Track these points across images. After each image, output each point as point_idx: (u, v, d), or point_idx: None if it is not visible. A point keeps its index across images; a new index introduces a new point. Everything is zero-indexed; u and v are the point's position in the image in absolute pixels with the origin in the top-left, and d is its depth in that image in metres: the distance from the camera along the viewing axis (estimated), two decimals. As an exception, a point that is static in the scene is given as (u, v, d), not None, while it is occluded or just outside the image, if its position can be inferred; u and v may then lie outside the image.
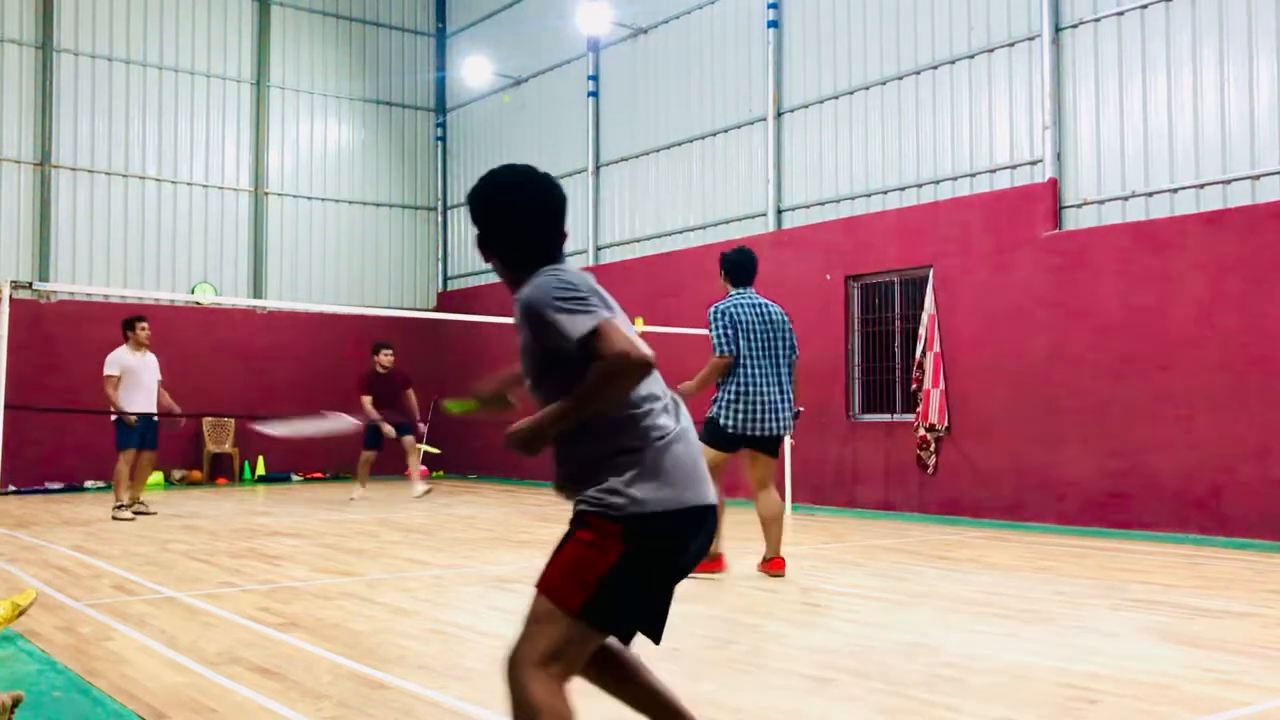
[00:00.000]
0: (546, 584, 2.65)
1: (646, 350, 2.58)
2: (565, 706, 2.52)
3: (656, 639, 2.76)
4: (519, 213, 2.79)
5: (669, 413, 2.71)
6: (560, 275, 2.68)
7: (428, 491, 13.35)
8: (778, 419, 6.75)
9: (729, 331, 6.67)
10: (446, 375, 18.51)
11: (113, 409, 10.96)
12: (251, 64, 17.63)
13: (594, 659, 2.73)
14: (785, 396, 6.81)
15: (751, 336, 6.70)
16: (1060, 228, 10.43)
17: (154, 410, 11.24)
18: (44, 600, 5.79)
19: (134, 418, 10.88)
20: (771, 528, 6.83)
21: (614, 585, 2.59)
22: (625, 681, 2.88)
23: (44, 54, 15.81)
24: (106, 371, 10.98)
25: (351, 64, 18.71)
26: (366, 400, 13.12)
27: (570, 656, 2.58)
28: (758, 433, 6.70)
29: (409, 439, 13.31)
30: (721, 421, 6.70)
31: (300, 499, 13.47)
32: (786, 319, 6.92)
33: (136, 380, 10.96)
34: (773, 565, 6.84)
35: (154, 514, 11.31)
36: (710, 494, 2.73)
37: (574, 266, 2.80)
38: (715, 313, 6.76)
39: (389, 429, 13.05)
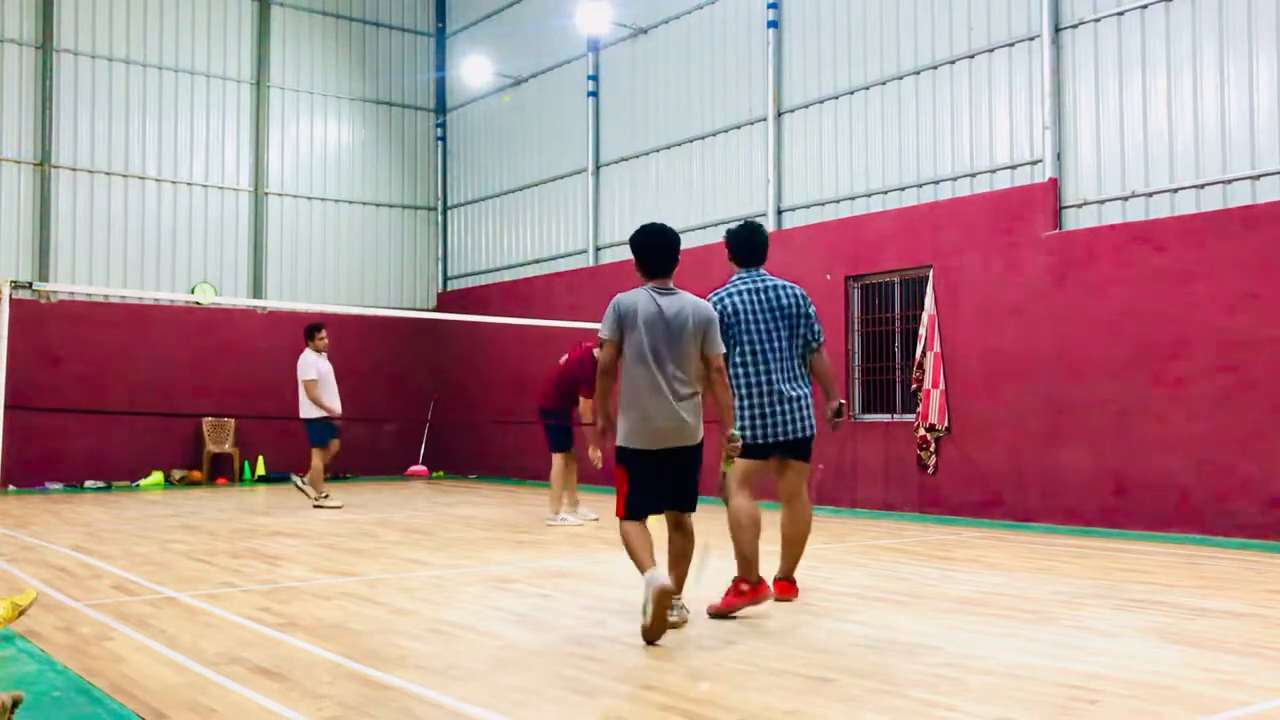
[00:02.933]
0: None
1: (603, 359, 5.14)
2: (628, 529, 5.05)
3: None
4: (634, 246, 5.25)
5: (646, 392, 5.05)
6: (621, 297, 5.13)
7: (587, 520, 10.31)
8: (799, 418, 5.81)
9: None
10: (446, 375, 18.52)
11: (328, 409, 11.76)
12: (251, 64, 17.63)
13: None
14: (802, 392, 5.85)
15: (752, 326, 5.77)
16: (1060, 228, 10.43)
17: (340, 407, 11.90)
18: (44, 600, 5.79)
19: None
20: (792, 548, 5.94)
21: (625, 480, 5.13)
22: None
23: (44, 54, 15.80)
24: (306, 376, 11.76)
25: (351, 64, 18.71)
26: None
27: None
28: (782, 437, 5.78)
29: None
30: (745, 434, 5.72)
31: (301, 499, 13.46)
32: (801, 303, 5.90)
33: (328, 381, 11.85)
34: (779, 588, 5.90)
35: (339, 506, 11.96)
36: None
37: (649, 295, 5.13)
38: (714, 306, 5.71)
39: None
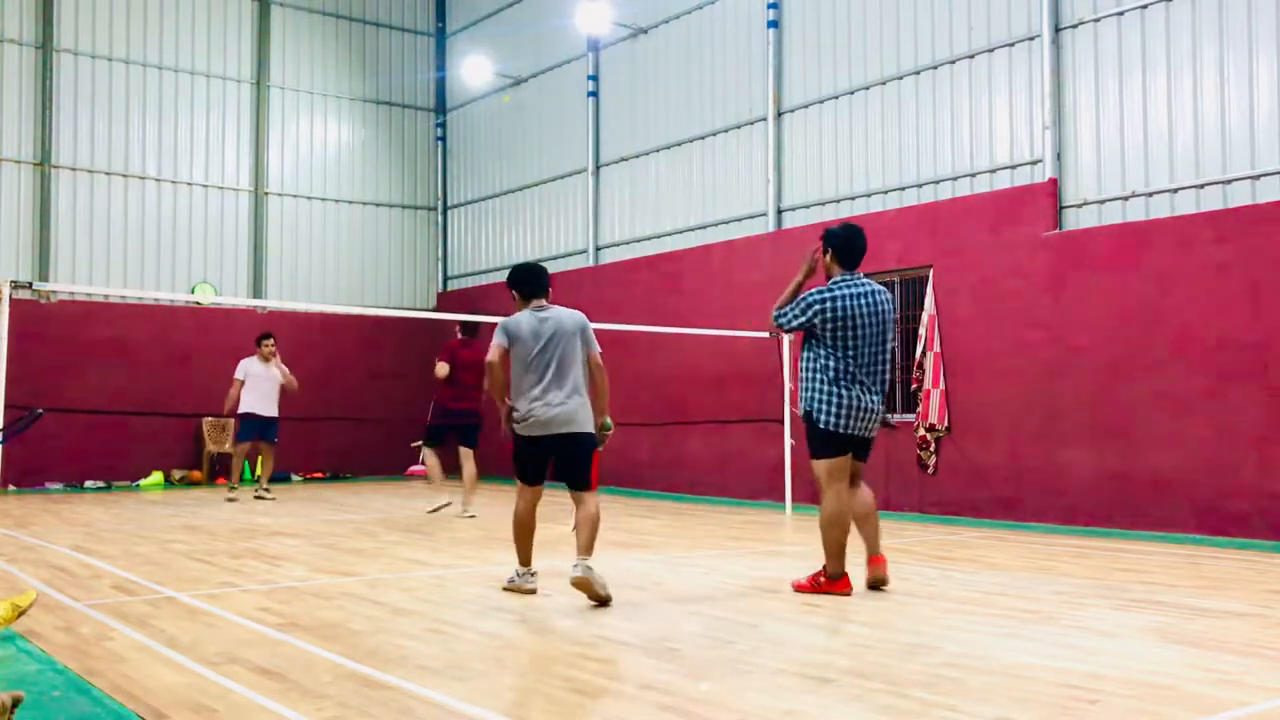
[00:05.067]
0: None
1: (490, 357, 6.08)
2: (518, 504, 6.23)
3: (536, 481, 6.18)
4: (511, 281, 6.31)
5: (533, 387, 6.00)
6: (507, 319, 6.17)
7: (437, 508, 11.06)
8: (875, 419, 6.21)
9: (802, 312, 6.12)
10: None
11: (228, 409, 13.12)
12: (251, 64, 17.63)
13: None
14: (882, 394, 6.25)
15: (854, 328, 6.06)
16: (1060, 228, 10.43)
17: (268, 411, 12.88)
18: (44, 600, 5.79)
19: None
20: (865, 525, 6.33)
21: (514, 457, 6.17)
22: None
23: (44, 54, 15.80)
24: (235, 375, 13.03)
25: (351, 64, 18.71)
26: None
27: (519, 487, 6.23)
28: (857, 433, 6.13)
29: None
30: (822, 421, 6.08)
31: (300, 499, 13.47)
32: (891, 309, 6.28)
33: (255, 385, 12.94)
34: (874, 561, 6.35)
35: (273, 499, 12.97)
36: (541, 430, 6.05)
37: (530, 314, 6.14)
38: (808, 295, 6.16)
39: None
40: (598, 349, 6.21)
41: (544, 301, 6.24)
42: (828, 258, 6.29)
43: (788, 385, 11.44)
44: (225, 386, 16.42)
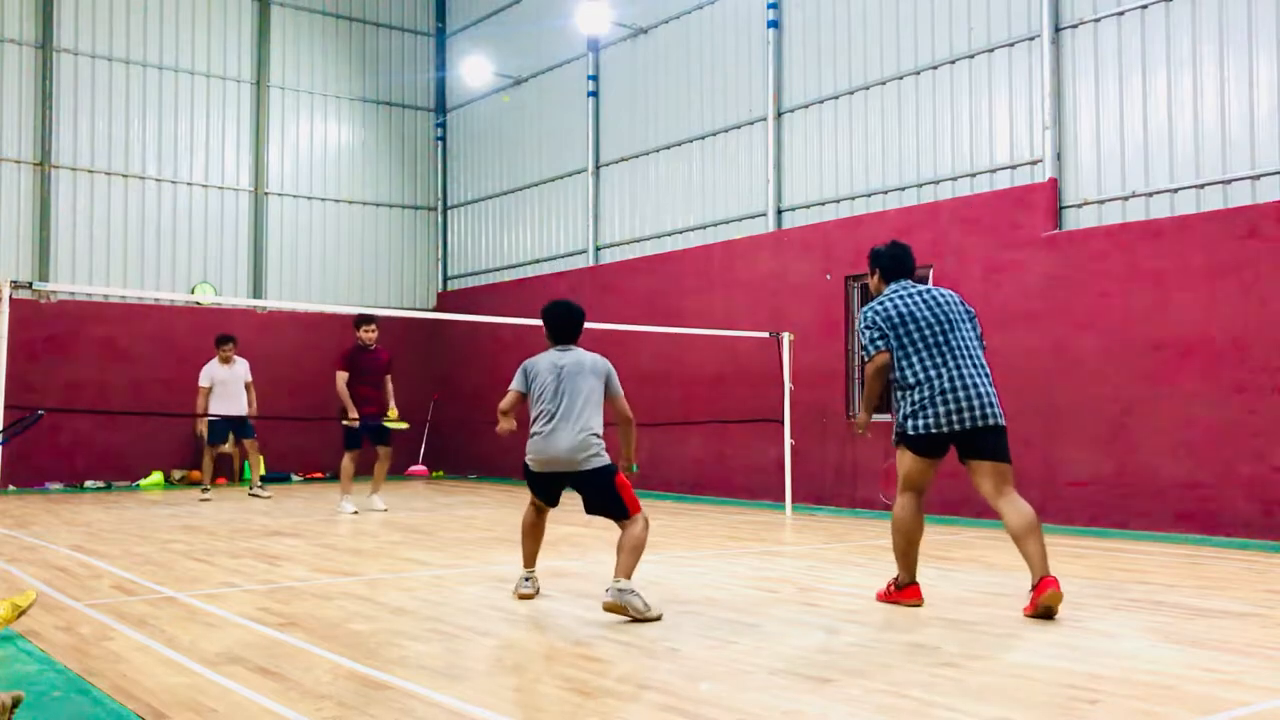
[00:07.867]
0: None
1: (502, 405, 6.13)
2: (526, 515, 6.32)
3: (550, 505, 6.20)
4: (544, 318, 6.27)
5: (542, 422, 5.95)
6: (527, 362, 6.19)
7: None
8: (984, 405, 5.68)
9: (873, 331, 5.86)
10: (446, 375, 18.52)
11: (198, 412, 13.54)
12: (251, 64, 17.63)
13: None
14: (987, 380, 5.81)
15: (918, 324, 5.77)
16: (1060, 228, 10.43)
17: (238, 412, 13.18)
18: (44, 600, 5.80)
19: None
20: (1026, 543, 5.54)
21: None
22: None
23: (44, 54, 15.80)
24: (199, 383, 13.37)
25: (351, 64, 18.71)
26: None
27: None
28: (957, 426, 5.65)
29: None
30: (910, 430, 5.75)
31: (300, 499, 13.47)
32: (961, 302, 6.00)
33: (224, 389, 13.32)
34: (1043, 586, 5.40)
35: (269, 497, 13.25)
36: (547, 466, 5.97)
37: (552, 354, 6.13)
38: (861, 317, 5.96)
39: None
40: (621, 394, 6.15)
41: (571, 346, 6.22)
42: (875, 279, 6.10)
43: (788, 385, 11.44)
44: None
